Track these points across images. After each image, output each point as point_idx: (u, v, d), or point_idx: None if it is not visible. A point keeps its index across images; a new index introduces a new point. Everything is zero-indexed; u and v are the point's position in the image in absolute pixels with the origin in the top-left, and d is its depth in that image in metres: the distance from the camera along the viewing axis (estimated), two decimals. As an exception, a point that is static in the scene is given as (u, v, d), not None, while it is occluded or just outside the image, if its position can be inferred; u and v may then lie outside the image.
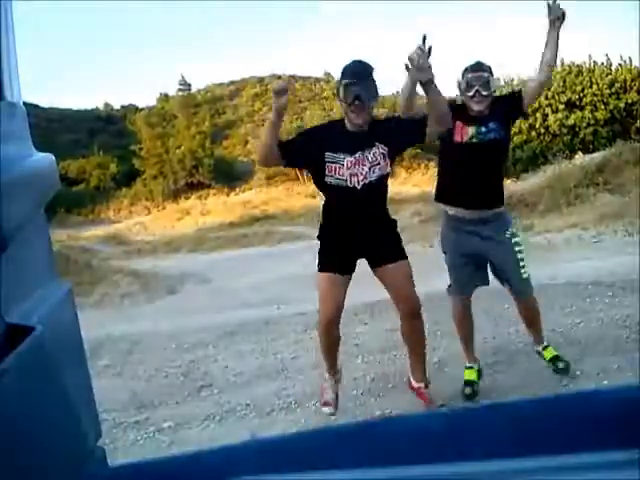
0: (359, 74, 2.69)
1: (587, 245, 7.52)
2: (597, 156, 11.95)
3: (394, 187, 25.25)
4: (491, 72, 3.08)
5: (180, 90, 40.86)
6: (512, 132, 16.18)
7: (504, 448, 0.34)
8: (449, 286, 3.40)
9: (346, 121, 2.81)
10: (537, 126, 16.71)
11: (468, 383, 3.34)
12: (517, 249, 3.16)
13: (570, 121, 16.57)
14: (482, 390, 3.30)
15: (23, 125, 0.84)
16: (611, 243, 7.30)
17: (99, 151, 31.96)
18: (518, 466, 0.33)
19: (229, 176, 30.78)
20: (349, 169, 2.76)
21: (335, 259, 2.95)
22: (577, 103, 16.85)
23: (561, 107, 16.78)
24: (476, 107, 3.03)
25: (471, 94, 3.01)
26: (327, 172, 2.78)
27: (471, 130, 3.06)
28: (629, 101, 16.82)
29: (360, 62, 2.75)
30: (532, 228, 8.99)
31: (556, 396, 0.39)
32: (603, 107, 16.65)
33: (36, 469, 0.70)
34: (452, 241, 3.27)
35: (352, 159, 2.77)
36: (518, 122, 16.96)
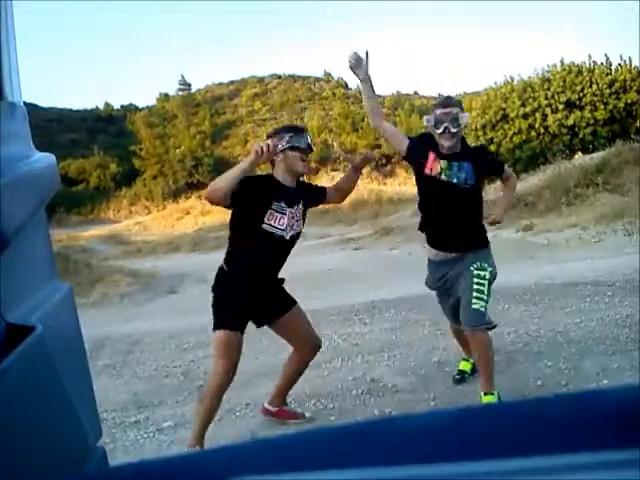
0: None
1: (587, 245, 7.53)
2: (597, 156, 11.96)
3: (394, 187, 25.22)
4: (461, 107, 3.06)
5: (180, 90, 40.90)
6: (512, 132, 15.92)
7: (504, 448, 0.34)
8: None
9: (278, 176, 2.93)
10: (537, 126, 16.72)
11: (461, 372, 3.54)
12: (476, 280, 3.01)
13: (570, 121, 16.57)
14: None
15: (23, 125, 0.84)
16: (611, 243, 7.31)
17: (99, 151, 31.94)
18: (518, 466, 0.33)
19: (229, 176, 30.74)
20: (289, 220, 2.90)
21: (239, 315, 2.93)
22: (577, 103, 16.85)
23: (561, 107, 16.78)
24: (445, 143, 2.97)
25: (440, 131, 2.94)
26: (267, 219, 2.85)
27: (442, 164, 3.00)
28: (629, 101, 16.83)
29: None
30: (532, 228, 9.00)
31: (556, 396, 0.39)
32: (603, 107, 16.65)
33: (36, 468, 0.70)
34: (429, 279, 3.29)
35: (292, 210, 2.92)
36: (517, 122, 16.98)
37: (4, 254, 0.67)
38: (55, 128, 34.95)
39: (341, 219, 15.91)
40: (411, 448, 0.36)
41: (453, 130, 2.95)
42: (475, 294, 2.98)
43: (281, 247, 2.94)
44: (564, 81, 17.19)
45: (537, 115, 16.75)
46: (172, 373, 4.26)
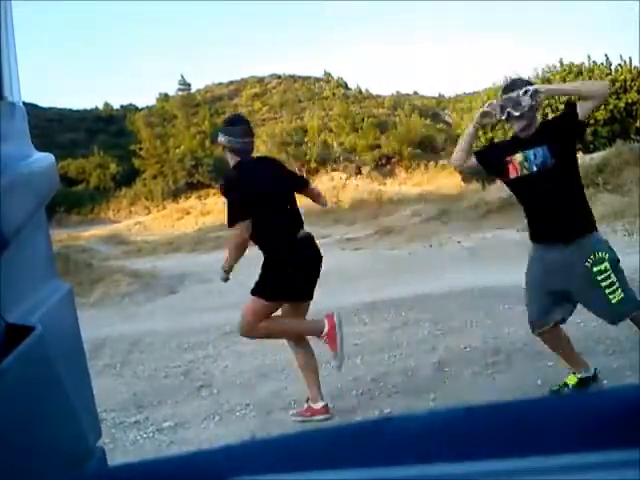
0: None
1: (587, 245, 7.52)
2: (597, 156, 11.96)
3: (394, 187, 25.24)
4: (527, 85, 2.98)
5: (180, 90, 40.86)
6: (512, 132, 16.10)
7: (504, 448, 0.34)
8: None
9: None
10: (537, 126, 16.73)
11: (565, 385, 3.16)
12: (600, 277, 2.83)
13: (570, 121, 16.56)
14: (482, 390, 3.29)
15: (23, 125, 0.84)
16: (611, 243, 7.28)
17: (99, 151, 31.92)
18: (518, 466, 0.33)
19: (229, 176, 30.74)
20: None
21: None
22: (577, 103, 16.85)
23: (561, 107, 16.77)
24: (516, 126, 2.95)
25: (504, 117, 2.90)
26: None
27: (519, 158, 2.91)
28: (629, 101, 16.83)
29: None
30: (532, 228, 8.99)
31: (556, 396, 0.39)
32: (603, 107, 16.63)
33: (36, 469, 0.70)
34: (531, 275, 3.07)
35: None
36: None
37: (4, 254, 0.67)
38: (55, 128, 34.94)
39: (341, 219, 15.89)
40: (411, 448, 0.36)
41: (516, 114, 2.85)
42: (607, 290, 2.83)
43: None
44: (564, 81, 17.18)
45: (537, 115, 16.75)
46: (172, 373, 4.26)
